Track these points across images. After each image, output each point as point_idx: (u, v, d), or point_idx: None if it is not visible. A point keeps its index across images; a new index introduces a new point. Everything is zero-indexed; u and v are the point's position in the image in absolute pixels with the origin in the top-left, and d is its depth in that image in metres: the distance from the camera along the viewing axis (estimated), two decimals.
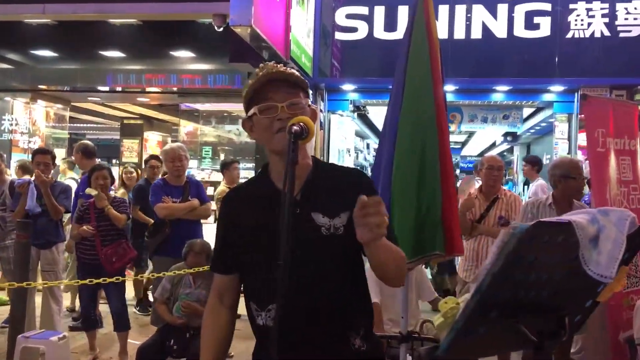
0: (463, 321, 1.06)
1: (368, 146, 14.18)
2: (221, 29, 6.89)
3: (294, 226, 1.44)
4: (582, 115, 6.50)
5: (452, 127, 9.47)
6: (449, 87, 8.59)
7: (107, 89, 9.29)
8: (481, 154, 20.38)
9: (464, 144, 18.34)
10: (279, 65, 1.54)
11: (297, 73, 1.55)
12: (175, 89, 9.36)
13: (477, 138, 15.51)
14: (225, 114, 11.27)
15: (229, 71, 8.55)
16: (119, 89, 9.33)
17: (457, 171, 17.46)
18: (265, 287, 1.52)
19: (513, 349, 2.16)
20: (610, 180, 3.68)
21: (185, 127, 12.56)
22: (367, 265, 4.79)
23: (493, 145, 16.71)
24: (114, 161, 15.80)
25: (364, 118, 11.30)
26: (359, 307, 1.58)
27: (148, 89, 9.40)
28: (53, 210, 4.87)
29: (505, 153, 19.36)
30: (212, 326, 1.63)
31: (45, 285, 4.77)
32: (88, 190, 4.66)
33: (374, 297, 3.93)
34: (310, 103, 1.56)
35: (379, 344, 1.65)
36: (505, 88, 8.44)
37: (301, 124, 1.37)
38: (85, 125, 17.25)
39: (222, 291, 1.65)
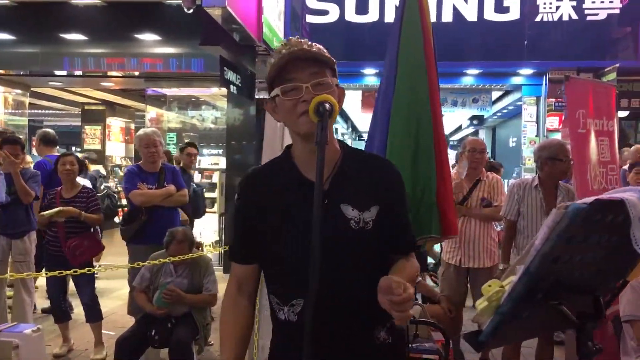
0: (510, 304, 1.02)
1: (336, 130, 14.18)
2: (190, 11, 6.71)
3: (322, 218, 1.39)
4: (563, 97, 6.54)
5: None
6: None
7: (64, 73, 8.95)
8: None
9: None
10: (302, 42, 1.42)
11: (323, 50, 1.43)
12: (136, 73, 9.09)
13: (444, 121, 15.70)
14: (194, 99, 11.01)
15: (193, 55, 8.36)
16: (79, 73, 9.01)
17: None
18: (289, 280, 1.44)
19: (554, 330, 2.15)
20: (590, 161, 3.73)
21: (149, 112, 12.24)
22: None
23: (459, 129, 16.91)
24: (73, 148, 15.30)
25: None
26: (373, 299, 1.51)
27: (110, 73, 9.11)
28: (23, 192, 4.68)
29: (469, 136, 19.68)
30: (233, 316, 1.53)
31: (15, 277, 4.59)
32: (47, 213, 4.44)
33: None
34: (338, 82, 1.44)
35: (402, 334, 1.61)
36: (476, 71, 8.52)
37: (328, 102, 1.29)
38: (44, 111, 16.65)
39: (241, 280, 1.55)
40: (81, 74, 9.16)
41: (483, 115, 12.96)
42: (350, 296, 1.42)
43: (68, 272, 4.34)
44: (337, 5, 8.17)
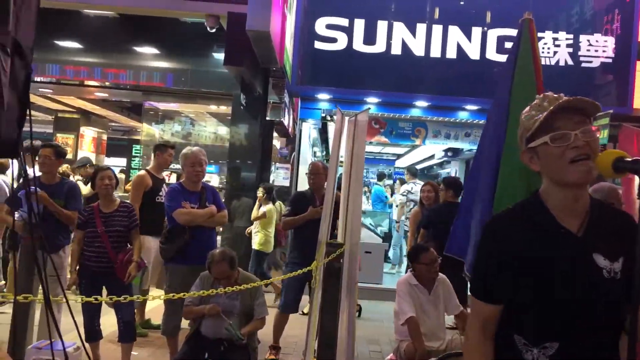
0: None
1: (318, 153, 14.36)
2: (213, 30, 6.74)
3: (576, 266, 1.48)
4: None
5: (417, 142, 9.77)
6: (421, 103, 8.88)
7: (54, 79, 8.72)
8: (412, 166, 21.04)
9: (400, 155, 18.86)
10: (560, 95, 1.54)
11: (590, 99, 1.52)
12: (127, 85, 8.95)
13: (419, 150, 16.03)
14: (191, 115, 10.90)
15: (195, 72, 8.34)
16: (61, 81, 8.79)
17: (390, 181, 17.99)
18: (543, 323, 1.50)
19: None
20: (635, 201, 3.98)
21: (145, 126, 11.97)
22: (399, 279, 4.79)
23: (432, 158, 17.30)
24: None
25: (324, 127, 11.37)
26: (616, 349, 1.57)
27: (107, 84, 8.92)
28: (65, 219, 4.58)
29: (434, 166, 20.19)
30: (479, 355, 1.57)
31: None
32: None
33: (409, 311, 4.02)
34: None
35: None
36: (474, 107, 8.84)
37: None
38: None
39: (486, 321, 1.59)
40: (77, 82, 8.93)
41: (458, 148, 13.35)
42: (599, 344, 1.50)
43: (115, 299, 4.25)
44: (346, 34, 8.34)
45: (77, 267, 4.47)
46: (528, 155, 1.58)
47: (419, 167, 20.72)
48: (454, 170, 15.67)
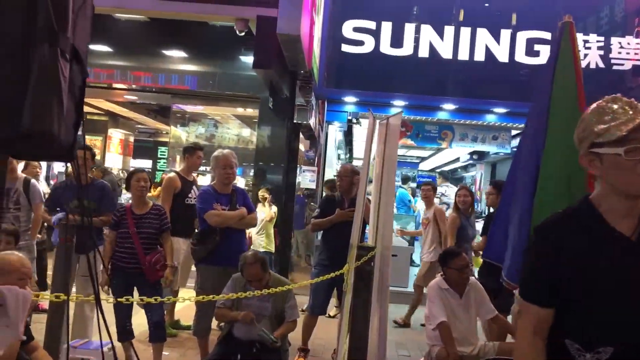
0: None
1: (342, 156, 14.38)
2: (242, 34, 6.77)
3: (630, 269, 1.48)
4: None
5: (444, 145, 9.72)
6: (449, 106, 8.84)
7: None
8: (433, 170, 20.97)
9: (424, 158, 18.80)
10: (632, 100, 1.53)
11: None
12: (154, 88, 9.06)
13: (443, 153, 15.95)
14: (212, 117, 10.99)
15: (212, 74, 8.42)
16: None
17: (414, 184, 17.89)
18: (597, 327, 1.50)
19: None
20: None
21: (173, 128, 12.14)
22: (429, 283, 4.73)
23: (456, 161, 17.20)
24: None
25: (349, 130, 11.38)
26: None
27: (133, 86, 9.05)
28: (103, 225, 4.70)
29: (459, 169, 20.07)
30: (533, 357, 1.57)
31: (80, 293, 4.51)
32: None
33: (441, 316, 3.99)
34: None
35: None
36: (502, 110, 8.76)
37: None
38: None
39: (538, 323, 1.58)
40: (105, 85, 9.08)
41: (484, 151, 13.25)
42: None
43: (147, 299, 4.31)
44: (373, 37, 8.33)
45: (109, 267, 4.54)
46: (588, 159, 1.56)
47: (446, 169, 20.69)
48: (479, 173, 15.59)
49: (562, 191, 2.66)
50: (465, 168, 19.15)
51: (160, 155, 19.17)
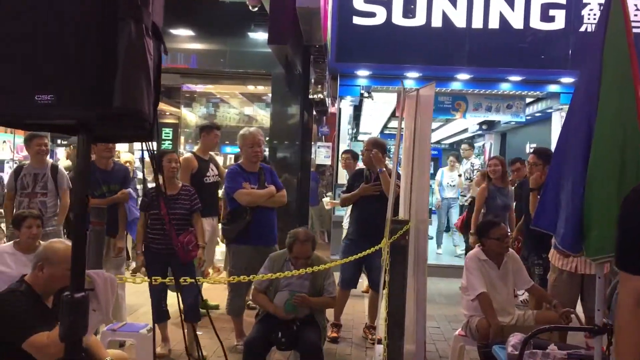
0: None
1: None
2: (256, 9, 6.67)
3: None
4: None
5: (458, 115, 9.63)
6: (463, 76, 8.73)
7: None
8: (439, 142, 20.84)
9: (432, 130, 18.59)
10: None
11: None
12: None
13: (452, 124, 15.80)
14: (220, 97, 10.88)
15: (232, 52, 8.29)
16: None
17: None
18: None
19: None
20: None
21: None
22: (468, 254, 4.72)
23: (465, 131, 17.06)
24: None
25: (360, 104, 11.26)
26: None
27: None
28: (122, 200, 4.75)
29: (466, 140, 19.90)
30: (635, 329, 1.51)
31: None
32: None
33: (480, 287, 3.98)
34: None
35: None
36: (518, 78, 8.65)
37: None
38: None
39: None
40: None
41: (494, 121, 13.14)
42: None
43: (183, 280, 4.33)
44: (385, 7, 8.18)
45: (143, 249, 4.53)
46: None
47: (451, 140, 20.55)
48: (488, 143, 15.44)
49: (615, 158, 2.60)
50: (472, 138, 19.01)
51: (165, 136, 19.08)
